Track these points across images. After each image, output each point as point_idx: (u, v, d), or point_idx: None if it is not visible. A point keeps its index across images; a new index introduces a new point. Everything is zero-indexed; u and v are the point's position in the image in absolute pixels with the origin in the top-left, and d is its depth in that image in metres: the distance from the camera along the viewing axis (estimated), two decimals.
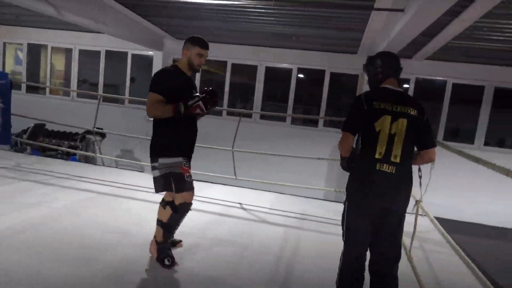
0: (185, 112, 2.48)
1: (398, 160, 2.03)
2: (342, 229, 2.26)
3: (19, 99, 5.69)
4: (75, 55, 9.51)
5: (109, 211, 3.75)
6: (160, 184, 2.63)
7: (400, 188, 2.09)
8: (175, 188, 2.58)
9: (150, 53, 8.92)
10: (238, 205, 4.43)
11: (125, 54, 9.14)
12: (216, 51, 8.57)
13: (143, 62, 9.24)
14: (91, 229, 3.23)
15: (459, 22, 4.84)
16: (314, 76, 8.67)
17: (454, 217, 7.48)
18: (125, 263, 2.70)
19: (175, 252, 2.87)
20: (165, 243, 2.71)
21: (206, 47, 2.66)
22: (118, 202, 4.08)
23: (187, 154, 2.69)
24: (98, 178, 4.86)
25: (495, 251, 6.74)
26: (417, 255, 3.24)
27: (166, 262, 2.65)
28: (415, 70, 7.96)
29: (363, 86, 7.99)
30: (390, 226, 2.14)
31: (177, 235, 2.99)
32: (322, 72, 8.39)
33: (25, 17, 8.15)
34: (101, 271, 2.55)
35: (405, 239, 3.44)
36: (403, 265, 3.08)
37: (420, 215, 3.31)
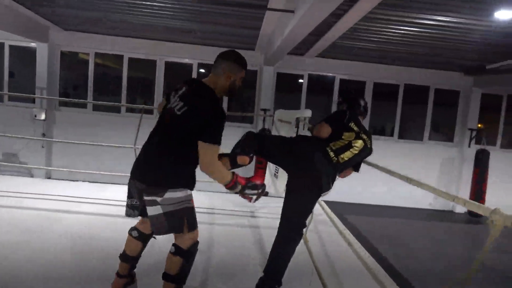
0: (236, 193, 2.20)
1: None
2: (304, 217, 2.66)
3: None
4: None
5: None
6: (166, 224, 2.09)
7: None
8: (188, 226, 2.12)
9: (33, 44, 8.02)
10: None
11: (1, 45, 8.07)
12: (111, 44, 8.12)
13: (25, 55, 8.28)
14: None
15: (342, 23, 5.40)
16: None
17: (347, 200, 8.36)
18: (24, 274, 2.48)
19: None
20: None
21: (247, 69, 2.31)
22: (5, 212, 3.67)
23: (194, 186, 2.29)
24: None
25: (376, 225, 7.74)
26: (310, 236, 3.57)
27: None
28: (307, 66, 8.59)
29: (263, 81, 8.36)
30: None
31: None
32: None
33: None
34: None
35: None
36: (300, 246, 3.40)
37: None
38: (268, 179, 4.36)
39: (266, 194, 2.71)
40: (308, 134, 3.77)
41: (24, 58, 8.36)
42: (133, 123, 5.13)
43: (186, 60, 8.46)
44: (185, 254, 2.11)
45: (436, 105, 9.08)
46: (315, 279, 2.78)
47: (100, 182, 5.30)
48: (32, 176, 7.54)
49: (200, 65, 8.52)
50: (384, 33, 6.22)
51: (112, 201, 4.23)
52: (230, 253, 3.24)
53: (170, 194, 2.04)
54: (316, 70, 8.78)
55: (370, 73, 8.77)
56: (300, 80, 8.82)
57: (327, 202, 4.62)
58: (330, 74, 8.87)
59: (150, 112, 7.44)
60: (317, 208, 3.82)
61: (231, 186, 2.12)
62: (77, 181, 5.24)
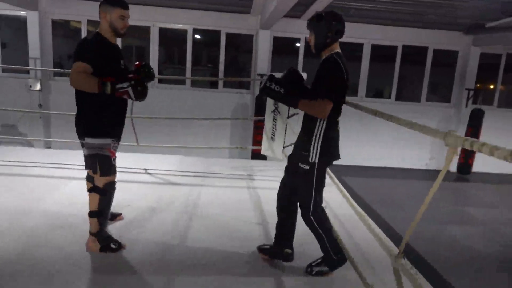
0: (111, 92, 2.24)
1: None
2: (312, 189, 2.31)
3: None
4: None
5: (5, 192, 3.45)
6: (87, 163, 2.46)
7: None
8: (100, 171, 2.43)
9: (23, 13, 7.83)
10: (143, 171, 4.42)
11: None
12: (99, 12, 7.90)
13: (15, 24, 8.10)
14: None
15: None
16: (210, 37, 8.63)
17: (345, 163, 8.47)
18: (43, 239, 2.58)
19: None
20: (102, 231, 2.53)
21: (127, 7, 2.40)
22: (13, 180, 3.75)
23: (117, 134, 2.52)
24: None
25: (375, 186, 7.90)
26: None
27: (113, 246, 2.52)
28: (304, 29, 8.41)
29: (259, 45, 8.24)
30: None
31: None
32: (218, 32, 8.38)
33: None
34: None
35: None
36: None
37: None
38: (265, 143, 4.42)
39: (150, 80, 2.54)
40: None
41: (15, 28, 8.20)
42: None
43: (181, 26, 8.30)
44: (99, 190, 2.46)
45: (434, 66, 9.01)
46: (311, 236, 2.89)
47: None
48: (32, 146, 7.61)
49: (195, 31, 8.37)
50: None
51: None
52: (231, 214, 3.35)
53: (88, 140, 2.39)
54: None
55: (368, 35, 8.63)
56: (297, 44, 8.69)
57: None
58: None
59: None
60: None
61: (102, 89, 2.22)
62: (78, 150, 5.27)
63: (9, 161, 4.29)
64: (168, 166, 4.67)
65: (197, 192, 3.85)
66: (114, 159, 2.49)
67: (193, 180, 4.24)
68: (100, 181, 2.46)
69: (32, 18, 7.77)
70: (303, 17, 7.94)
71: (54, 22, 8.03)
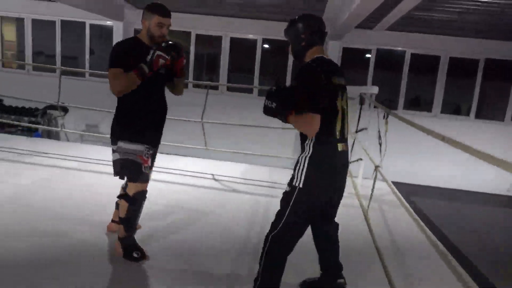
0: (150, 70, 2.18)
1: (346, 136, 2.03)
2: (284, 214, 1.98)
3: None
4: (28, 26, 8.96)
5: (76, 187, 3.75)
6: (116, 169, 2.43)
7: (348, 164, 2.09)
8: (129, 177, 2.39)
9: (110, 23, 8.56)
10: (210, 176, 4.54)
11: (82, 24, 8.72)
12: (180, 21, 8.38)
13: (103, 33, 8.88)
14: (58, 205, 3.24)
15: None
16: (279, 47, 8.70)
17: (414, 182, 8.00)
18: (93, 237, 2.77)
19: (149, 230, 2.96)
20: (127, 238, 2.49)
21: (167, 15, 2.29)
22: (85, 177, 4.07)
23: (152, 140, 2.43)
24: (63, 153, 4.79)
25: (447, 210, 7.33)
26: (373, 215, 3.51)
27: (135, 255, 2.47)
28: (376, 40, 8.18)
29: (328, 56, 8.13)
30: (338, 203, 2.22)
31: (154, 208, 3.07)
32: (287, 42, 8.41)
33: None
34: (70, 245, 2.60)
35: (364, 202, 3.73)
36: (360, 224, 3.37)
37: (379, 180, 3.56)
38: None
39: (174, 46, 2.28)
40: (374, 113, 3.64)
41: (102, 37, 8.97)
42: (200, 98, 5.32)
43: (251, 36, 8.49)
44: (128, 198, 2.39)
45: None
46: (376, 261, 2.75)
47: (170, 154, 5.64)
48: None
49: (265, 41, 8.50)
50: (465, 1, 5.68)
51: (184, 171, 4.49)
52: None
53: (121, 144, 2.34)
54: (385, 45, 8.33)
55: (446, 47, 8.11)
56: (368, 55, 8.44)
57: (393, 183, 4.48)
58: (400, 49, 8.37)
59: (215, 88, 7.62)
60: (381, 188, 3.73)
61: (140, 73, 2.17)
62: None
63: (91, 159, 4.67)
64: (235, 173, 4.74)
65: (265, 202, 3.85)
66: (146, 167, 2.38)
67: (259, 190, 4.25)
68: (131, 189, 2.41)
69: (117, 28, 8.46)
70: (375, 28, 7.70)
71: (136, 31, 8.66)
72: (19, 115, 8.03)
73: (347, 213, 3.75)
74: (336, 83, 1.93)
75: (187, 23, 8.26)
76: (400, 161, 7.83)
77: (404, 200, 3.08)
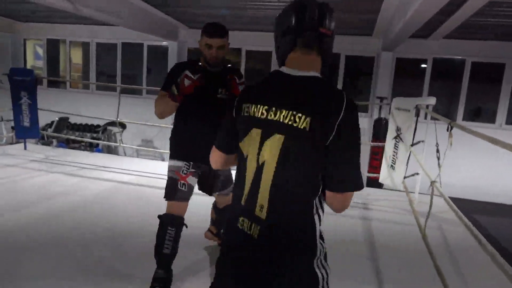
0: (179, 92, 2.02)
1: (264, 213, 1.12)
2: None
3: (42, 94, 5.89)
4: (93, 49, 9.69)
5: (133, 199, 3.92)
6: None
7: (265, 266, 1.12)
8: (165, 193, 2.27)
9: (165, 43, 9.02)
10: None
11: (141, 45, 9.27)
12: (230, 39, 8.60)
13: (159, 53, 9.36)
14: (116, 216, 3.40)
15: None
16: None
17: (475, 198, 7.44)
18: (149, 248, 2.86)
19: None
20: (156, 272, 2.23)
21: (214, 35, 2.07)
22: (141, 190, 4.25)
23: (192, 157, 2.26)
24: (121, 167, 5.05)
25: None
26: (431, 234, 3.28)
27: None
28: (432, 50, 7.82)
29: (380, 67, 7.92)
30: None
31: None
32: (338, 55, 8.33)
33: (42, 13, 8.34)
34: (126, 254, 2.71)
35: (421, 219, 3.51)
36: (417, 244, 3.16)
37: (436, 195, 3.36)
38: (384, 170, 4.15)
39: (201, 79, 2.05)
40: (433, 127, 3.45)
41: (157, 56, 9.46)
42: None
43: None
44: (160, 218, 2.25)
45: None
46: (435, 280, 2.56)
47: None
48: (163, 160, 8.57)
49: None
50: None
51: None
52: (340, 246, 3.19)
53: (168, 162, 2.32)
54: (442, 54, 7.94)
55: (511, 54, 7.55)
56: (423, 65, 8.09)
57: (451, 199, 4.20)
58: (459, 57, 7.92)
59: None
60: (439, 204, 3.50)
61: (170, 95, 2.05)
62: None
63: (146, 172, 4.88)
64: None
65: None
66: (184, 185, 2.23)
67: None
68: (166, 208, 2.27)
69: (172, 47, 8.89)
70: (431, 37, 7.38)
71: (189, 50, 9.04)
72: (82, 131, 8.65)
73: (402, 231, 3.56)
74: (246, 113, 1.19)
75: (238, 40, 8.48)
76: (459, 176, 7.33)
77: (465, 218, 2.85)
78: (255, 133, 1.16)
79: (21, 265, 2.48)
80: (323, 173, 1.11)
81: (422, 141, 3.94)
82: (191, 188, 2.27)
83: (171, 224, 2.21)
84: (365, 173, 6.92)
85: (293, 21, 1.15)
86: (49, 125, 8.13)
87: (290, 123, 1.09)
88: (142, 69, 9.38)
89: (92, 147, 8.03)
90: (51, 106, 6.20)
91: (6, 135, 6.35)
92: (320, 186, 1.13)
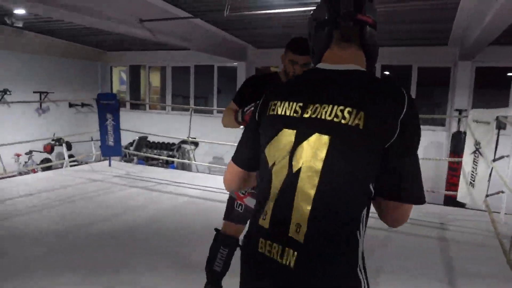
0: (243, 120, 1.97)
1: (302, 234, 0.89)
2: None
3: (125, 116, 6.47)
4: (168, 72, 10.44)
5: (205, 213, 4.11)
6: None
7: None
8: (225, 213, 2.19)
9: (235, 64, 9.41)
10: None
11: (211, 67, 9.77)
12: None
13: (228, 74, 9.78)
14: (190, 228, 3.59)
15: None
16: (401, 72, 8.29)
17: None
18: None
19: None
20: (206, 285, 2.20)
21: (300, 52, 1.98)
22: (212, 205, 4.44)
23: None
24: (194, 183, 5.32)
25: None
26: None
27: None
28: None
29: (457, 78, 7.42)
30: None
31: None
32: (409, 67, 7.97)
33: (126, 42, 9.22)
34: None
35: (505, 242, 3.18)
36: (501, 269, 2.86)
37: None
38: (463, 188, 3.85)
39: None
40: None
41: (227, 77, 9.89)
42: None
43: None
44: (216, 232, 2.19)
45: None
46: None
47: None
48: None
49: (384, 67, 8.20)
50: None
51: None
52: (416, 267, 3.01)
53: None
54: None
55: None
56: (509, 74, 7.40)
57: None
58: None
59: None
60: None
61: (235, 118, 2.01)
62: None
63: (216, 188, 5.09)
64: None
65: (383, 236, 3.62)
66: (240, 206, 2.12)
67: (377, 222, 4.02)
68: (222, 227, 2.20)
69: (241, 68, 9.24)
70: None
71: (257, 69, 9.32)
72: (159, 149, 9.27)
73: (484, 256, 3.25)
74: (273, 112, 0.99)
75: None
76: None
77: None
78: (287, 134, 0.93)
79: (111, 265, 2.73)
80: (374, 180, 0.91)
81: (507, 156, 3.60)
82: (248, 210, 2.10)
83: (224, 244, 2.15)
84: (442, 191, 6.45)
85: (327, 12, 0.98)
86: (131, 144, 8.86)
87: (337, 120, 0.87)
88: (213, 90, 9.86)
89: (167, 164, 8.56)
90: (132, 126, 6.78)
91: (95, 154, 7.06)
92: (371, 197, 0.93)
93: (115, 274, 2.67)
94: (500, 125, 3.38)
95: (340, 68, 0.96)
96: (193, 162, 5.95)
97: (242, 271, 1.03)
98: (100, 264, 2.81)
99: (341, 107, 0.88)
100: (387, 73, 8.36)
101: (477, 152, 3.57)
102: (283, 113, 0.95)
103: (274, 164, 0.95)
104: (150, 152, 8.94)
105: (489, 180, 3.54)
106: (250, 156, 1.07)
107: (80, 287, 2.52)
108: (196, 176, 6.06)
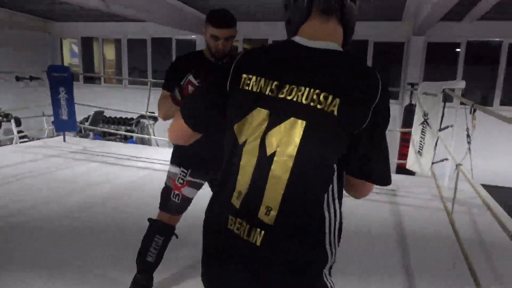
0: (183, 98, 1.75)
1: (273, 217, 0.91)
2: None
3: (78, 90, 6.19)
4: (124, 45, 10.02)
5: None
6: None
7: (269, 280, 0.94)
8: (160, 202, 2.04)
9: (193, 37, 9.19)
10: None
11: (169, 40, 9.48)
12: (256, 30, 8.65)
13: (187, 47, 9.55)
14: (150, 202, 3.58)
15: None
16: (357, 47, 8.49)
17: (500, 183, 7.16)
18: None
19: None
20: (137, 274, 2.06)
21: (221, 25, 1.79)
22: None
23: (192, 163, 1.96)
24: (154, 157, 5.27)
25: None
26: (458, 219, 3.24)
27: None
28: (465, 32, 7.53)
29: (410, 53, 7.73)
30: None
31: None
32: (366, 42, 8.19)
33: (77, 13, 8.70)
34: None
35: (447, 204, 3.47)
36: (445, 229, 3.14)
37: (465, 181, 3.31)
38: (411, 157, 4.11)
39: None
40: (462, 112, 3.38)
41: (186, 50, 9.66)
42: None
43: None
44: (149, 222, 2.05)
45: None
46: (460, 263, 2.55)
47: None
48: None
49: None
50: None
51: None
52: (369, 230, 3.22)
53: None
54: (477, 36, 7.63)
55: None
56: (457, 49, 7.81)
57: (485, 186, 4.11)
58: (497, 39, 7.58)
59: None
60: (469, 191, 3.44)
61: (173, 98, 1.78)
62: None
63: None
64: None
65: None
66: (177, 196, 1.97)
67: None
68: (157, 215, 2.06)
69: (200, 41, 9.03)
70: (464, 20, 7.11)
71: None
72: (117, 124, 9.00)
73: (430, 216, 3.53)
74: (246, 87, 0.95)
75: (263, 31, 8.49)
76: (496, 163, 7.06)
77: (491, 202, 2.81)
78: (260, 114, 0.92)
79: (66, 247, 2.70)
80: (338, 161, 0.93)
81: (451, 126, 3.87)
82: (186, 201, 1.99)
83: (159, 233, 2.01)
84: (394, 160, 6.82)
85: None
86: (86, 119, 8.53)
87: (312, 104, 0.87)
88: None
89: (126, 139, 8.36)
90: (87, 101, 6.51)
91: (47, 129, 6.75)
92: (333, 176, 0.94)
93: (68, 253, 2.65)
94: (446, 98, 3.61)
95: (319, 46, 0.92)
96: (153, 137, 5.85)
97: (207, 248, 1.04)
98: (52, 246, 2.77)
99: (318, 91, 0.87)
100: None
101: (425, 123, 3.80)
102: (258, 90, 0.92)
103: (245, 142, 0.94)
104: (107, 127, 8.66)
105: (435, 149, 3.80)
106: (202, 118, 1.05)
107: (28, 270, 2.48)
108: (156, 150, 5.99)
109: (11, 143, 6.11)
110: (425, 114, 3.78)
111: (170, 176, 2.01)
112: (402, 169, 5.75)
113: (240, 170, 0.95)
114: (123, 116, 9.16)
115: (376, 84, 0.89)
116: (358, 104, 0.87)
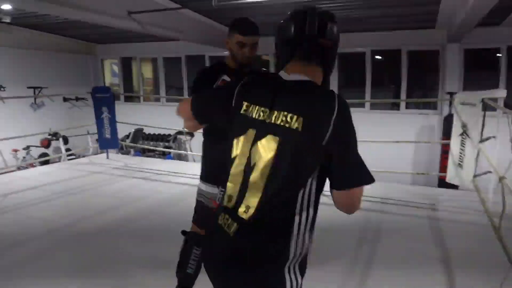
0: None
1: (250, 215, 1.11)
2: None
3: (119, 108, 6.51)
4: (160, 63, 10.41)
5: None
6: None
7: (235, 266, 1.12)
8: (195, 218, 2.15)
9: (225, 53, 9.37)
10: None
11: (202, 57, 9.75)
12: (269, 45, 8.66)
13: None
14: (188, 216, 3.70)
15: None
16: (391, 57, 8.36)
17: None
18: None
19: None
20: (178, 283, 2.13)
21: (248, 32, 1.88)
22: None
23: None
24: (191, 173, 5.42)
25: None
26: (506, 235, 3.10)
27: None
28: (505, 37, 7.24)
29: (447, 61, 7.52)
30: None
31: None
32: (399, 51, 8.05)
33: (116, 35, 9.18)
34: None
35: (495, 220, 3.33)
36: (492, 245, 3.01)
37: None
38: (451, 169, 3.99)
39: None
40: (505, 121, 3.27)
41: None
42: None
43: (359, 49, 8.35)
44: (184, 235, 2.12)
45: None
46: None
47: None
48: None
49: (374, 52, 8.27)
50: None
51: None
52: (407, 245, 3.16)
53: (199, 185, 2.16)
54: None
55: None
56: (498, 55, 7.50)
57: None
58: None
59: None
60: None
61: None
62: None
63: None
64: None
65: (375, 218, 3.76)
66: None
67: (370, 205, 4.16)
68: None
69: None
70: (503, 24, 6.85)
71: None
72: (156, 141, 9.34)
73: (474, 232, 3.40)
74: (244, 112, 1.19)
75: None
76: None
77: None
78: (251, 133, 1.15)
79: (112, 256, 2.84)
80: (314, 175, 1.10)
81: (493, 137, 3.73)
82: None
83: (197, 244, 2.06)
84: (435, 173, 6.61)
85: (292, 32, 1.14)
86: (127, 136, 8.91)
87: (282, 124, 1.09)
88: None
89: (164, 155, 8.64)
90: (128, 118, 6.83)
91: (92, 146, 7.12)
92: (307, 184, 1.10)
93: (119, 265, 2.78)
94: (486, 107, 3.50)
95: (293, 79, 1.15)
96: (189, 152, 6.03)
97: (204, 238, 1.32)
98: (108, 254, 2.92)
99: (290, 114, 1.08)
100: (378, 57, 8.44)
101: (464, 134, 3.69)
102: (252, 116, 1.16)
103: (237, 155, 1.17)
104: (146, 144, 9.00)
105: (476, 161, 3.67)
106: (207, 115, 1.36)
107: (87, 275, 2.62)
108: (193, 166, 6.16)
109: (59, 161, 6.49)
110: (463, 125, 3.67)
111: (207, 196, 2.07)
112: (444, 183, 5.56)
113: (230, 177, 1.19)
114: (161, 133, 9.49)
115: (333, 102, 1.07)
116: (319, 119, 1.06)
